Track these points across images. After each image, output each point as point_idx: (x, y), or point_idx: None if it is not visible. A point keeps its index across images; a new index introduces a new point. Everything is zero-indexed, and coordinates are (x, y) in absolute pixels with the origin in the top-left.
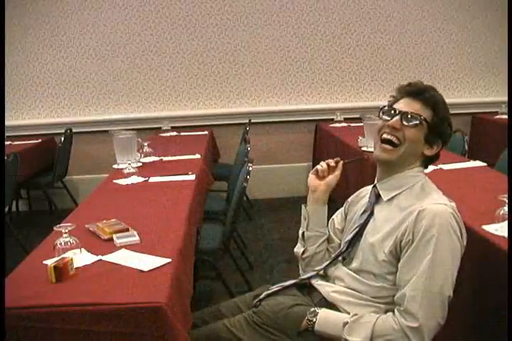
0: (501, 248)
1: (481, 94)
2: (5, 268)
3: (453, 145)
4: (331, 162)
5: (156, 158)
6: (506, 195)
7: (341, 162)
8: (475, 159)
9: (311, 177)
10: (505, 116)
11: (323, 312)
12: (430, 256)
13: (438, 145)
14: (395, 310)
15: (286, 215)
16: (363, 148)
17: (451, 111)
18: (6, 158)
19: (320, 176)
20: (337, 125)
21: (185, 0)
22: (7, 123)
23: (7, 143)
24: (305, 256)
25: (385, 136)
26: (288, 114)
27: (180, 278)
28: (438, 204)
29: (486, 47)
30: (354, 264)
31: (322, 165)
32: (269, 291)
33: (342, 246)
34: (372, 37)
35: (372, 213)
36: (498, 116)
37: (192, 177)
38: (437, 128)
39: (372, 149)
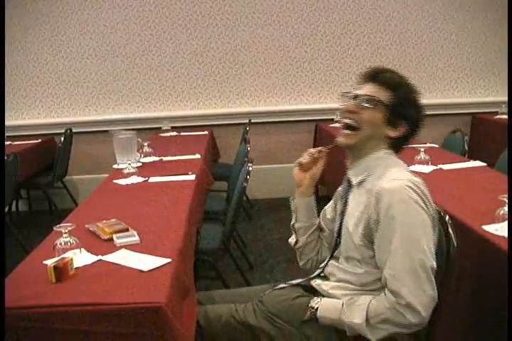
0: (501, 248)
1: (481, 94)
2: (5, 268)
3: (453, 145)
4: (315, 153)
5: (156, 158)
6: (506, 195)
7: (325, 148)
8: (475, 159)
9: (296, 171)
10: (505, 116)
11: (325, 300)
12: (399, 233)
13: (403, 126)
14: (385, 290)
15: (286, 215)
16: None
17: (451, 111)
18: (6, 158)
19: (305, 169)
20: (337, 125)
21: (185, 0)
22: (7, 123)
23: (7, 143)
24: (297, 246)
25: (343, 120)
26: (288, 114)
27: (181, 277)
28: (394, 180)
29: (486, 47)
30: (342, 252)
31: (306, 158)
32: (277, 287)
33: (334, 237)
34: (372, 37)
35: (347, 200)
36: (498, 116)
37: (192, 177)
38: (398, 109)
39: None
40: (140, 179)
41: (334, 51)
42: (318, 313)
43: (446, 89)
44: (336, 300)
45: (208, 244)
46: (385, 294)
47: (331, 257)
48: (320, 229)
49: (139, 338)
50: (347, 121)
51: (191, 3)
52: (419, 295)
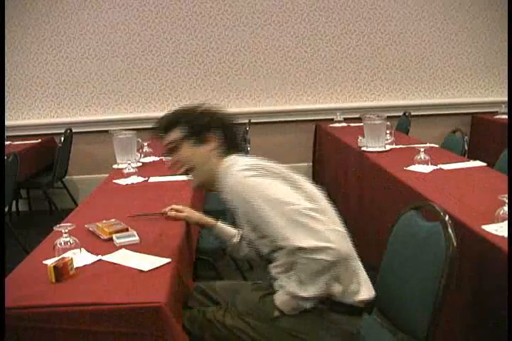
0: (501, 248)
1: (481, 94)
2: (5, 268)
3: (453, 145)
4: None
5: (156, 158)
6: (506, 195)
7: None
8: (475, 159)
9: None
10: (505, 116)
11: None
12: (260, 205)
13: (213, 135)
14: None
15: None
16: (362, 148)
17: (451, 111)
18: (6, 158)
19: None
20: (337, 125)
21: (185, 0)
22: (7, 123)
23: (7, 143)
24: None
25: (177, 172)
26: (288, 114)
27: (180, 277)
28: (228, 176)
29: (486, 47)
30: (264, 254)
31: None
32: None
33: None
34: (372, 37)
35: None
36: (498, 116)
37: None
38: (194, 130)
39: (371, 149)
40: (140, 179)
41: (334, 51)
42: (276, 302)
43: (446, 89)
44: None
45: (208, 244)
46: (296, 256)
47: (267, 264)
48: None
49: (138, 338)
50: (179, 171)
51: (191, 3)
52: (313, 235)
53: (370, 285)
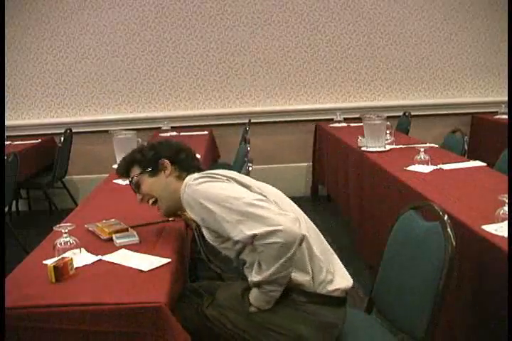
0: (501, 248)
1: (481, 94)
2: (5, 268)
3: (453, 145)
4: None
5: None
6: (506, 195)
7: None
8: (475, 159)
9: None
10: (505, 116)
11: None
12: (215, 208)
13: (164, 162)
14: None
15: None
16: (362, 148)
17: (451, 111)
18: (6, 158)
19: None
20: (337, 125)
21: (185, 0)
22: (7, 123)
23: (7, 143)
24: None
25: (147, 204)
26: (288, 114)
27: (179, 277)
28: (186, 191)
29: (486, 47)
30: (234, 260)
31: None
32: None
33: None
34: (372, 37)
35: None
36: (498, 116)
37: None
38: (147, 163)
39: (371, 149)
40: None
41: (334, 51)
42: (250, 300)
43: (446, 89)
44: None
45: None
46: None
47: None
48: None
49: (139, 338)
50: (148, 203)
51: (191, 3)
52: (263, 222)
53: (347, 274)
